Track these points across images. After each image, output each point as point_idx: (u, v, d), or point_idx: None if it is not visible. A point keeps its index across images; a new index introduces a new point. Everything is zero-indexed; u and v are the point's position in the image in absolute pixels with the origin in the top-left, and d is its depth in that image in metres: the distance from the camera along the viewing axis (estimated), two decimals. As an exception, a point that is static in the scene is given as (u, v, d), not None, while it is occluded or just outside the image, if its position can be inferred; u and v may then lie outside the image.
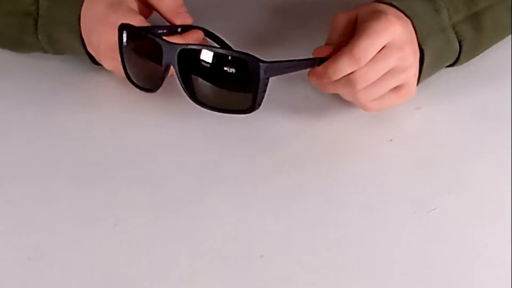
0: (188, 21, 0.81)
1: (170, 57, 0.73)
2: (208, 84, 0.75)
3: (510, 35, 0.84)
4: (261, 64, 0.72)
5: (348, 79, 0.73)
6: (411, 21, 0.75)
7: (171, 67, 0.74)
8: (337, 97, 0.79)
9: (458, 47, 0.78)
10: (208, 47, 0.75)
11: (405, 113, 0.79)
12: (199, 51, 0.74)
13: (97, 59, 0.80)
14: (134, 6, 0.78)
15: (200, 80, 0.75)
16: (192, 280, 0.67)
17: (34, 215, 0.71)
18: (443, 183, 0.73)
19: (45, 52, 0.82)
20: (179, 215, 0.71)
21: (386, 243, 0.69)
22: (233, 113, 0.75)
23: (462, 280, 0.66)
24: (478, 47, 0.81)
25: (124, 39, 0.75)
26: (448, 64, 0.80)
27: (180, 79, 0.74)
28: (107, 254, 0.68)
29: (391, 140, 0.77)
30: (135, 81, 0.78)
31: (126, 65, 0.76)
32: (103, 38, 0.76)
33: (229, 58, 0.74)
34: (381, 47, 0.72)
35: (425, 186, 0.73)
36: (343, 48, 0.72)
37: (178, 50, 0.73)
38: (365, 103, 0.75)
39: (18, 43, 0.81)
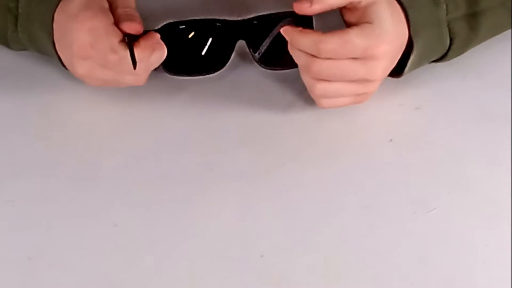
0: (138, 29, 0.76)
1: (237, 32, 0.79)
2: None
3: (511, 36, 0.84)
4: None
5: (306, 59, 0.73)
6: (405, 12, 0.74)
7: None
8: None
9: (448, 43, 0.78)
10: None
11: (405, 113, 0.79)
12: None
13: (67, 63, 0.77)
14: (106, 5, 0.75)
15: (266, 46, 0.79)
16: (192, 280, 0.67)
17: (34, 215, 0.71)
18: (443, 183, 0.73)
19: (27, 50, 0.81)
20: (179, 215, 0.71)
21: (386, 243, 0.69)
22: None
23: (462, 280, 0.66)
24: (468, 46, 0.80)
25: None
26: (434, 59, 0.80)
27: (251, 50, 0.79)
28: (107, 254, 0.68)
29: (391, 140, 0.77)
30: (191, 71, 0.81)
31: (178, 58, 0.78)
32: (75, 37, 0.73)
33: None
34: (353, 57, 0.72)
35: (425, 186, 0.73)
36: (328, 32, 0.71)
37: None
38: (317, 96, 0.75)
39: (2, 39, 0.80)
